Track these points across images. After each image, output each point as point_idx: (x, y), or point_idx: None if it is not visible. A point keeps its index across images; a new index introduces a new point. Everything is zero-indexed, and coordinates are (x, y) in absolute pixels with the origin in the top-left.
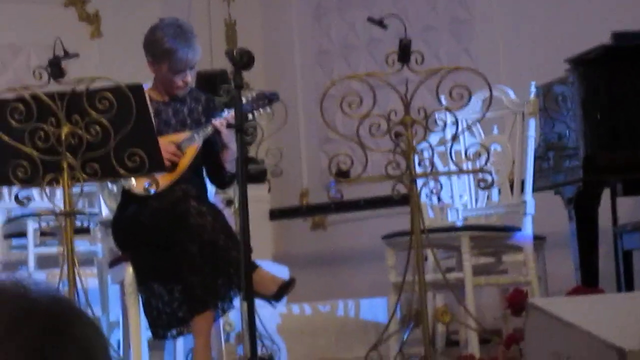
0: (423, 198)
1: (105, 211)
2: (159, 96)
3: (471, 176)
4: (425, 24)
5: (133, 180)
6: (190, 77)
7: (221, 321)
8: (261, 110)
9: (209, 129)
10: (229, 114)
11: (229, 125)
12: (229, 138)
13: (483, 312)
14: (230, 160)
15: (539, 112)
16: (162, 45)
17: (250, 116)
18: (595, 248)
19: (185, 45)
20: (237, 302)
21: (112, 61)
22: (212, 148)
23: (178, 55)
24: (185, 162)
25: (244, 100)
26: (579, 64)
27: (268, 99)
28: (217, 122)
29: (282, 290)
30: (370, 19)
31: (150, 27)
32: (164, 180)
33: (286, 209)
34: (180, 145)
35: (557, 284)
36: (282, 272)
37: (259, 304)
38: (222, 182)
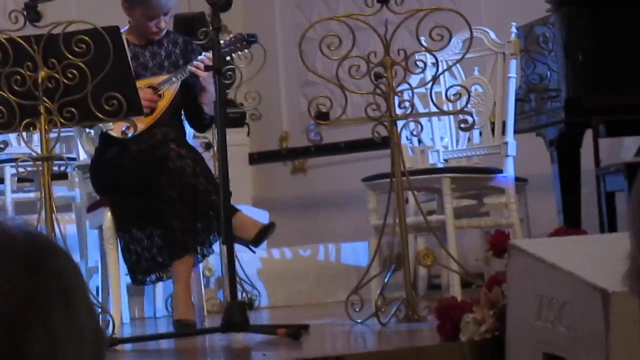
0: (403, 140)
1: (83, 156)
2: (135, 40)
3: (452, 118)
4: None
5: (111, 124)
6: (165, 23)
7: (201, 266)
8: (239, 52)
9: (187, 72)
10: (205, 57)
11: (207, 68)
12: (207, 80)
13: (465, 255)
14: (208, 102)
15: (520, 53)
16: None
17: (228, 58)
18: (577, 189)
19: None
20: (217, 246)
21: (90, 4)
22: (190, 91)
23: (151, 1)
24: (163, 104)
25: (221, 42)
26: (560, 5)
27: (246, 40)
28: (194, 64)
29: (262, 235)
30: None
31: None
32: (142, 123)
33: (266, 152)
34: (158, 88)
35: (539, 227)
36: (262, 217)
37: (239, 248)
38: (201, 125)
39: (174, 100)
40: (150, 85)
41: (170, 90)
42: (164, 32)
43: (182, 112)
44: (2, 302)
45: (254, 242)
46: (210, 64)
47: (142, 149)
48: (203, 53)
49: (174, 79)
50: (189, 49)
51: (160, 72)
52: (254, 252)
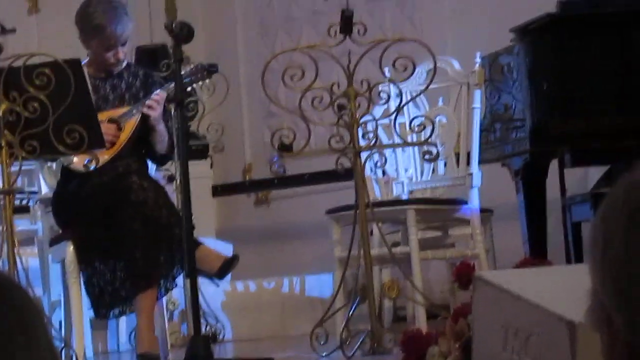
0: (367, 172)
1: (45, 189)
2: (95, 72)
3: (416, 149)
4: None
5: (73, 157)
6: (123, 54)
7: (164, 299)
8: (200, 82)
9: (146, 105)
10: (157, 94)
11: (170, 100)
12: (157, 120)
13: (430, 287)
14: (159, 141)
15: (484, 83)
16: (91, 22)
17: (189, 89)
18: (543, 220)
19: (114, 20)
20: (180, 279)
21: (50, 37)
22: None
23: (107, 32)
24: (124, 137)
25: (182, 73)
26: (524, 34)
27: (207, 70)
28: (147, 103)
29: (226, 268)
30: None
31: (81, 3)
32: (104, 155)
33: (229, 184)
34: (119, 121)
35: (505, 257)
36: (226, 249)
37: (203, 281)
38: (155, 161)
39: (135, 132)
40: (111, 118)
41: (130, 123)
42: (124, 63)
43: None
44: None
45: (218, 275)
46: (160, 101)
47: (104, 181)
48: (156, 91)
49: (134, 111)
50: (150, 81)
51: (121, 105)
52: (217, 285)
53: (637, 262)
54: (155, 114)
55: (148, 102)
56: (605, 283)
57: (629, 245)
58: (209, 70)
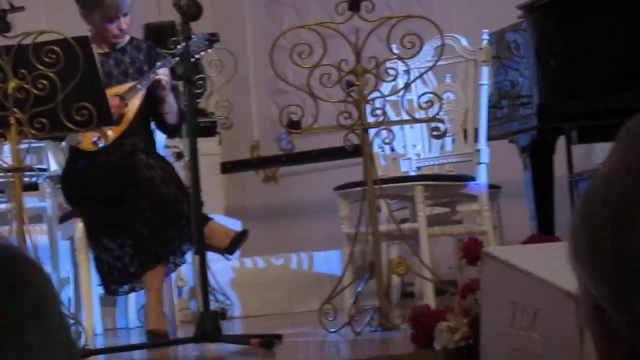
0: (375, 148)
1: (54, 166)
2: (98, 48)
3: (424, 125)
4: None
5: (80, 137)
6: (126, 25)
7: (173, 276)
8: (202, 52)
9: (152, 79)
10: (161, 71)
11: (179, 77)
12: (167, 91)
13: (438, 263)
14: (169, 112)
15: (491, 60)
16: None
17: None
18: (550, 196)
19: None
20: (189, 256)
21: (59, 14)
22: (155, 97)
23: (107, 2)
24: (130, 113)
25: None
26: (531, 11)
27: (208, 40)
28: (158, 77)
29: (235, 242)
30: None
31: None
32: (111, 133)
33: (237, 161)
34: (124, 97)
35: (513, 234)
36: (234, 226)
37: (212, 258)
38: (167, 132)
39: (141, 108)
40: (116, 94)
41: (136, 98)
42: (127, 36)
43: (151, 119)
44: None
45: (228, 250)
46: (168, 82)
47: (112, 160)
48: (160, 68)
49: (139, 86)
50: (153, 53)
51: (125, 80)
52: (228, 259)
53: (629, 256)
54: (166, 85)
55: (158, 77)
56: (597, 284)
57: (617, 243)
58: (210, 39)
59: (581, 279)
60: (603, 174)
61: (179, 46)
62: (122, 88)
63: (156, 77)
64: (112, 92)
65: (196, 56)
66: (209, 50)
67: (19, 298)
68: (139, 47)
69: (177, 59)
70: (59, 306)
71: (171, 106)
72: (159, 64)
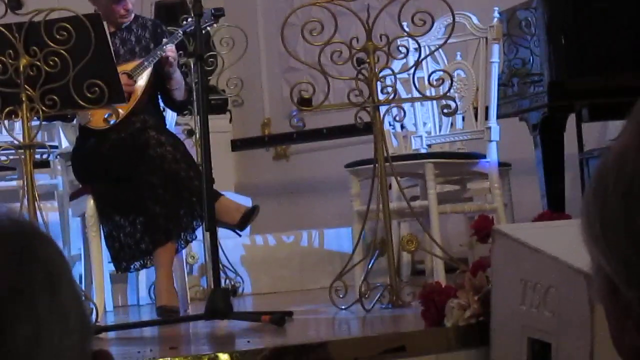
0: (386, 125)
1: (65, 144)
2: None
3: (435, 103)
4: None
5: (89, 115)
6: (131, 4)
7: (184, 253)
8: (208, 27)
9: (158, 55)
10: (170, 48)
11: (190, 54)
12: (174, 68)
13: (449, 240)
14: (177, 88)
15: (502, 37)
16: None
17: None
18: (561, 174)
19: None
20: (200, 233)
21: None
22: (162, 73)
23: None
24: (138, 90)
25: (188, 20)
26: None
27: (213, 15)
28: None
29: (246, 218)
30: None
31: None
32: (120, 110)
33: (248, 139)
34: (132, 75)
35: (523, 212)
36: (245, 203)
37: (222, 235)
38: (174, 108)
39: (149, 84)
40: (124, 72)
41: (144, 75)
42: (132, 15)
43: (159, 96)
44: None
45: (239, 226)
46: (175, 58)
47: (122, 137)
48: (167, 45)
49: (146, 63)
50: (159, 31)
51: (132, 58)
52: (239, 235)
53: None
54: (173, 61)
55: (165, 54)
56: (610, 261)
57: (630, 220)
58: (215, 14)
59: (594, 255)
60: (615, 150)
61: (188, 22)
62: (129, 66)
63: (163, 54)
64: (119, 70)
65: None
66: (215, 25)
67: (31, 270)
68: (145, 25)
69: (182, 35)
70: (72, 282)
71: (178, 82)
72: (165, 40)
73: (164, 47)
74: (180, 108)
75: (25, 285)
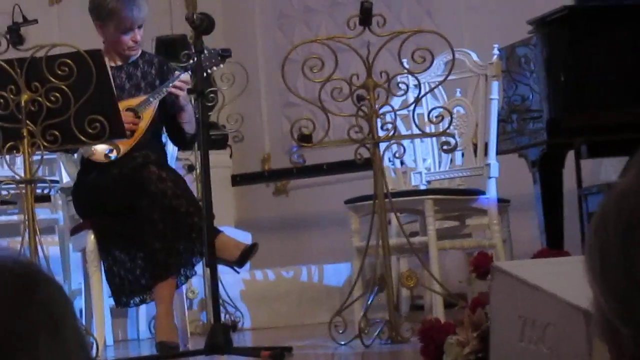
0: (386, 162)
1: (66, 178)
2: (111, 61)
3: (434, 139)
4: None
5: (91, 148)
6: (140, 36)
7: (184, 288)
8: (214, 67)
9: (165, 92)
10: (182, 76)
11: (189, 91)
12: (185, 100)
13: (448, 276)
14: (188, 121)
15: (502, 74)
16: (106, 6)
17: (205, 74)
18: (560, 210)
19: (129, 3)
20: (199, 268)
21: (71, 27)
22: (168, 109)
23: (123, 14)
24: (143, 126)
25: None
26: (541, 25)
27: (220, 55)
28: (175, 84)
29: (245, 255)
30: None
31: None
32: (122, 146)
33: (248, 174)
34: (137, 110)
35: (522, 248)
36: (244, 239)
37: (222, 270)
38: (183, 143)
39: (153, 120)
40: (129, 108)
41: (148, 111)
42: (140, 49)
43: (164, 132)
44: None
45: (238, 263)
46: (189, 84)
47: (123, 172)
48: (182, 72)
49: (151, 99)
50: (165, 68)
51: (138, 93)
52: (238, 272)
53: (638, 271)
54: (184, 93)
55: (178, 83)
56: (607, 298)
57: (628, 258)
58: (223, 55)
59: (594, 291)
60: (617, 190)
61: (190, 60)
62: (134, 101)
63: (178, 83)
64: (124, 105)
65: (208, 71)
66: (221, 66)
67: (34, 315)
68: (151, 61)
69: (189, 72)
70: (73, 318)
71: (190, 115)
72: (177, 73)
73: (180, 76)
74: (188, 143)
75: (26, 327)
